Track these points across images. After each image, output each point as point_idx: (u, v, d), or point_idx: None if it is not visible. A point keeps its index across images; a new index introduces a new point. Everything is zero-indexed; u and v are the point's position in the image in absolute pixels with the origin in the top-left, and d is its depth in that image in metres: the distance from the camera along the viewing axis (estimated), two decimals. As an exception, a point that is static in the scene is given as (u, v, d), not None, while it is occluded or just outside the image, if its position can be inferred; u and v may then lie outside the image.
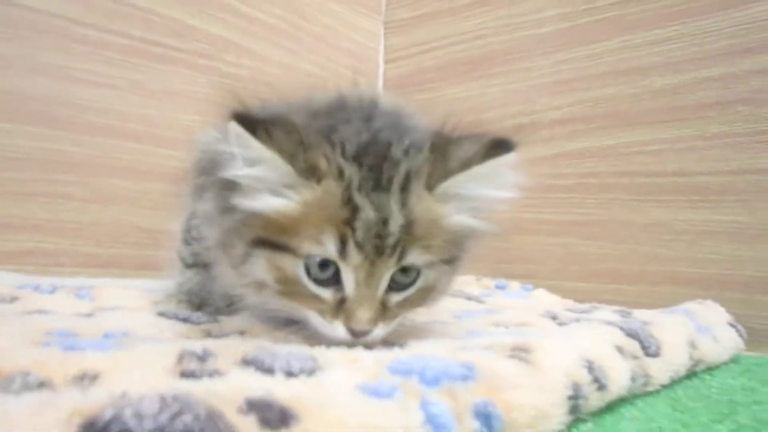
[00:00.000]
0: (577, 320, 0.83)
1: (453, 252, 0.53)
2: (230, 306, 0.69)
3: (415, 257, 0.49)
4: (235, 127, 0.46)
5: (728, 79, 1.03)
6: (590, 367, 0.51)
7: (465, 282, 1.25)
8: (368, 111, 0.55)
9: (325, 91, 0.62)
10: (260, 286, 0.51)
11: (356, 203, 0.47)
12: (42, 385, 0.32)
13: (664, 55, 1.11)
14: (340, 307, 0.49)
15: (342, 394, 0.33)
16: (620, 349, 0.59)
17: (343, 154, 0.49)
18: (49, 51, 0.99)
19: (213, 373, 0.36)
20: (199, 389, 0.28)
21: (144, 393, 0.25)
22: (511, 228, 1.24)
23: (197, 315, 0.62)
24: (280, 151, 0.47)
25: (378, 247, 0.47)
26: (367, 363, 0.41)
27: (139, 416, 0.23)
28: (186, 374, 0.36)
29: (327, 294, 0.50)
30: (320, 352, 0.43)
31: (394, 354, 0.43)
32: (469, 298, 1.05)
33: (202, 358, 0.39)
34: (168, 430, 0.23)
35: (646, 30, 1.13)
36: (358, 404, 0.33)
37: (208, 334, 0.54)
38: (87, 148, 1.01)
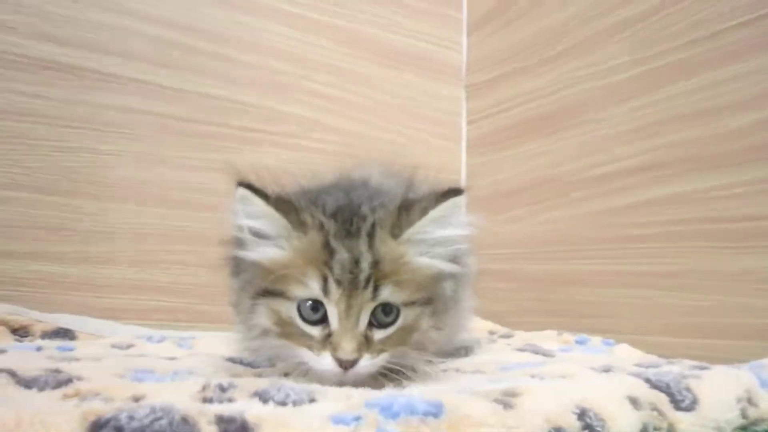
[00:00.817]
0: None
1: (427, 293, 0.62)
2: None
3: (388, 293, 0.59)
4: (241, 191, 0.60)
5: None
6: (582, 414, 0.51)
7: (545, 337, 1.25)
8: (354, 186, 0.69)
9: (335, 173, 0.77)
10: (264, 332, 0.62)
11: (332, 247, 0.58)
12: (106, 401, 0.46)
13: (738, 93, 1.07)
14: (327, 341, 0.59)
15: (308, 418, 0.42)
16: (634, 400, 0.58)
17: (324, 213, 0.61)
18: (167, 145, 1.24)
19: (225, 401, 0.47)
20: (190, 407, 0.39)
21: (142, 404, 0.37)
22: (592, 281, 1.25)
23: (257, 361, 0.73)
24: (277, 209, 0.59)
25: (353, 282, 0.58)
26: (355, 399, 0.49)
27: (130, 418, 0.35)
28: (206, 400, 0.47)
29: (316, 331, 0.60)
30: (323, 390, 0.52)
31: (380, 393, 0.51)
32: (537, 352, 1.05)
33: (225, 389, 0.50)
34: (147, 429, 0.34)
35: (719, 68, 1.10)
36: (317, 427, 0.41)
37: (259, 375, 0.65)
38: (197, 223, 1.24)
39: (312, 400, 0.48)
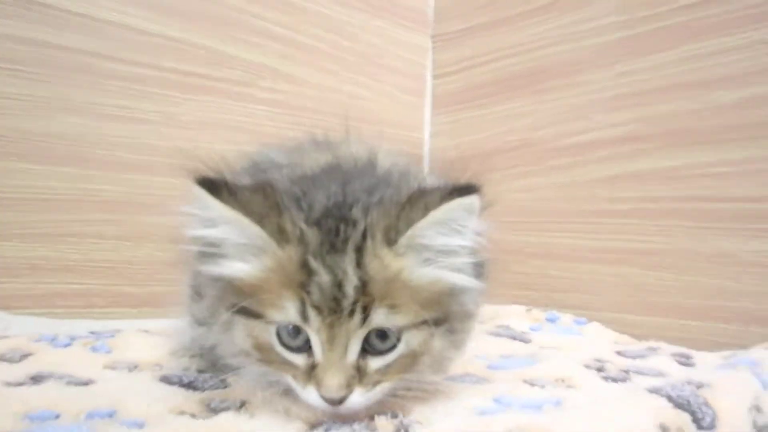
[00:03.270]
0: (626, 373, 0.75)
1: (439, 312, 0.50)
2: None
3: (381, 319, 0.48)
4: (197, 190, 0.48)
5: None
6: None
7: (516, 313, 1.18)
8: (354, 174, 0.55)
9: (323, 149, 0.64)
10: (244, 354, 0.52)
11: (311, 267, 0.47)
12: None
13: (732, 66, 1.00)
14: (312, 372, 0.49)
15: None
16: (665, 428, 0.52)
17: (307, 218, 0.49)
18: (80, 89, 0.99)
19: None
20: None
21: None
22: (567, 255, 1.18)
23: (203, 378, 0.60)
24: (247, 212, 0.48)
25: (335, 310, 0.47)
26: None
27: None
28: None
29: (299, 360, 0.50)
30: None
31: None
32: (514, 337, 0.99)
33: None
34: None
35: (712, 38, 1.02)
36: None
37: (207, 406, 0.52)
38: (119, 186, 1.01)
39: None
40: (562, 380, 0.70)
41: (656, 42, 1.10)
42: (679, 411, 0.55)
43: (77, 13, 0.99)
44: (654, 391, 0.59)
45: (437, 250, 0.49)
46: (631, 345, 0.97)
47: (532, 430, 0.46)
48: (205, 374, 0.62)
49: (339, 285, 0.47)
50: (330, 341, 0.48)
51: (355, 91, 1.36)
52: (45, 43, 0.97)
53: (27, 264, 0.93)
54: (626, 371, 0.76)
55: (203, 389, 0.57)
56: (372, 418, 0.51)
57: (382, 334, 0.49)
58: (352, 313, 0.47)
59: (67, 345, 0.73)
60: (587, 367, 0.77)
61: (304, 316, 0.47)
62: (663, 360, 0.85)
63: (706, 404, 0.57)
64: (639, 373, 0.76)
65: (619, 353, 0.89)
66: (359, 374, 0.49)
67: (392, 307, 0.48)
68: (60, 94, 0.98)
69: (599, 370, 0.77)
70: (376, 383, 0.50)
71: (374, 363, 0.49)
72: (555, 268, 1.23)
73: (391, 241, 0.48)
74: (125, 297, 1.00)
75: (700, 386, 0.61)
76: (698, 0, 1.05)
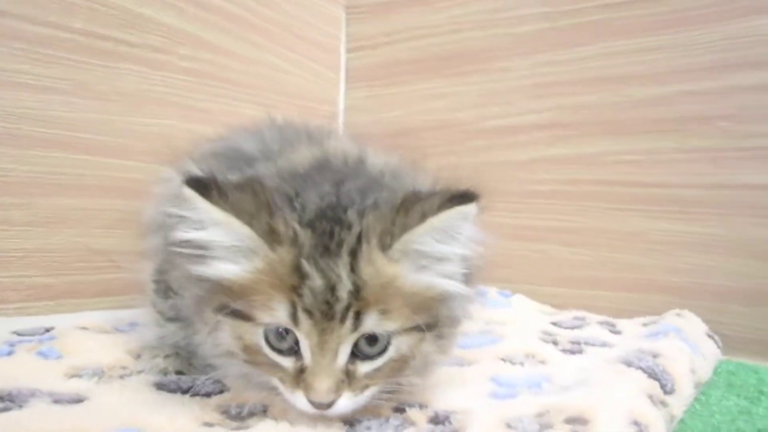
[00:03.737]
0: (578, 344, 0.82)
1: (425, 319, 0.50)
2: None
3: (373, 324, 0.47)
4: (186, 191, 0.46)
5: (712, 93, 1.03)
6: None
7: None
8: (346, 173, 0.55)
9: (310, 142, 0.63)
10: (230, 355, 0.51)
11: (304, 270, 0.47)
12: None
13: (648, 64, 1.09)
14: (300, 376, 0.49)
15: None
16: (652, 398, 0.58)
17: (301, 220, 0.48)
18: None
19: None
20: None
21: None
22: (490, 233, 1.23)
23: (200, 381, 0.55)
24: (237, 214, 0.46)
25: (326, 314, 0.47)
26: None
27: None
28: None
29: (287, 363, 0.49)
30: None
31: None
32: None
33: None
34: None
35: (631, 38, 1.11)
36: None
37: (227, 413, 0.49)
38: (26, 165, 0.85)
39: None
40: (533, 356, 0.74)
41: (576, 36, 1.17)
42: (652, 380, 0.62)
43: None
44: (627, 363, 0.65)
45: (432, 256, 0.49)
46: (559, 315, 1.06)
47: (565, 410, 0.49)
48: (198, 377, 0.57)
49: (332, 289, 0.46)
50: (320, 345, 0.47)
51: (275, 62, 1.28)
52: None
53: None
54: (577, 342, 0.83)
55: (208, 394, 0.53)
56: (403, 410, 0.52)
57: (373, 338, 0.49)
58: (344, 317, 0.46)
59: (9, 353, 0.62)
60: (543, 341, 0.83)
61: (295, 320, 0.46)
62: (596, 329, 0.94)
63: (666, 372, 0.64)
64: (587, 343, 0.83)
65: (554, 324, 0.97)
66: (348, 378, 0.49)
67: (384, 312, 0.47)
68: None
69: (555, 343, 0.82)
70: (364, 387, 0.50)
71: (363, 367, 0.49)
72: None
73: (385, 246, 0.48)
74: (42, 289, 0.86)
75: (656, 356, 0.68)
76: (617, 1, 1.13)
